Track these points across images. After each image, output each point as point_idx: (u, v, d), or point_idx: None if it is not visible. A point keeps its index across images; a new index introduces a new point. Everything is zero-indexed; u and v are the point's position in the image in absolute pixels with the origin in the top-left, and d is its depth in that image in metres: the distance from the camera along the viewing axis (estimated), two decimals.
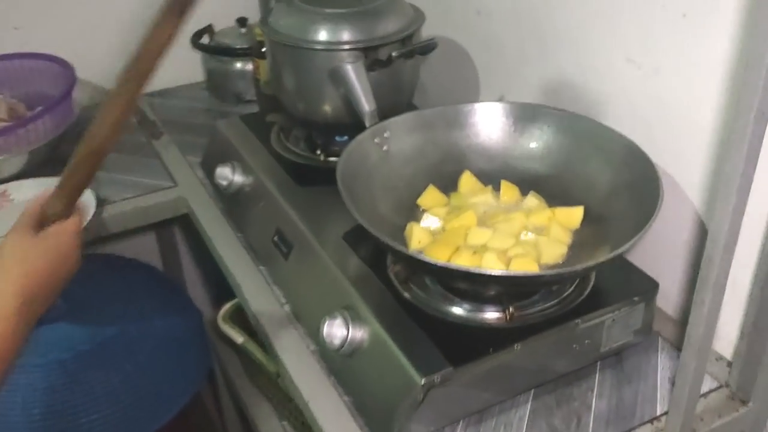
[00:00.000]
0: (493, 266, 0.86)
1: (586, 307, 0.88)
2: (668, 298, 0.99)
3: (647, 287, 0.92)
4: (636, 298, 0.90)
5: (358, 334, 0.88)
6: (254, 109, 1.52)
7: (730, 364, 0.92)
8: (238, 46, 1.55)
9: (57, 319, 1.35)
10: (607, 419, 0.87)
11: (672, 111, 0.93)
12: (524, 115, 1.03)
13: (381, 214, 0.95)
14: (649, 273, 0.95)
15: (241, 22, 1.58)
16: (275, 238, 1.07)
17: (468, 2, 1.25)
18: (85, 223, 1.20)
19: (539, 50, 1.13)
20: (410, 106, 1.25)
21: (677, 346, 0.97)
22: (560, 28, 1.08)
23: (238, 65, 1.57)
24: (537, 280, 0.83)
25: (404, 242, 0.93)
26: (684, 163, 0.93)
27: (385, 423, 0.82)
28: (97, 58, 1.37)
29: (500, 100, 1.23)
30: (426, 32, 1.15)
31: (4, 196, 1.27)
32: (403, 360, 0.81)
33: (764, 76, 0.61)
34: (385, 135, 1.00)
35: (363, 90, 0.99)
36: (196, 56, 1.65)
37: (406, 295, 0.91)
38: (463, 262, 0.87)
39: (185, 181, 1.35)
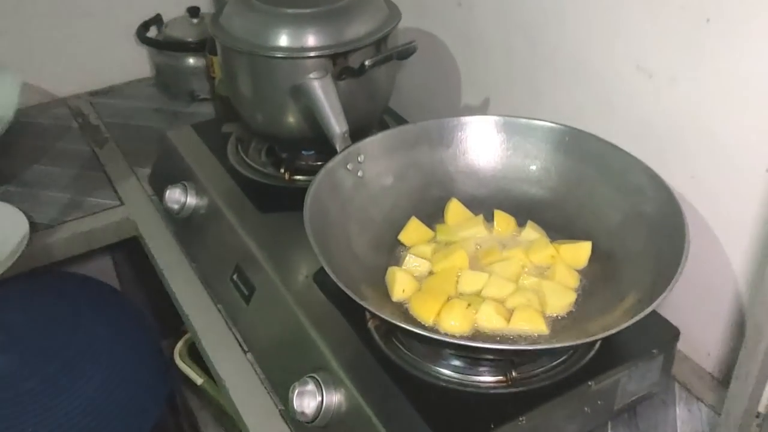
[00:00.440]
0: (492, 324, 0.74)
1: (599, 363, 0.76)
2: (686, 338, 0.87)
3: (667, 336, 0.80)
4: (655, 350, 0.78)
5: (334, 399, 0.75)
6: (210, 109, 1.36)
7: None
8: (189, 40, 1.39)
9: None
10: None
11: (690, 128, 0.80)
12: (518, 130, 0.89)
13: (357, 254, 0.81)
14: (666, 315, 0.82)
15: (193, 12, 1.41)
16: (234, 277, 0.93)
17: None
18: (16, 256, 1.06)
19: (529, 48, 0.99)
20: (384, 116, 1.11)
21: (697, 395, 0.85)
22: (554, 22, 0.94)
23: (191, 60, 1.41)
24: (549, 351, 0.71)
25: (385, 289, 0.79)
26: (709, 193, 0.81)
27: None
28: None
29: (485, 104, 1.09)
30: (400, 24, 1.00)
31: None
32: None
33: None
34: (359, 159, 0.86)
35: (332, 109, 0.84)
36: (144, 49, 1.48)
37: (388, 352, 0.78)
38: (457, 318, 0.74)
39: (133, 199, 1.20)
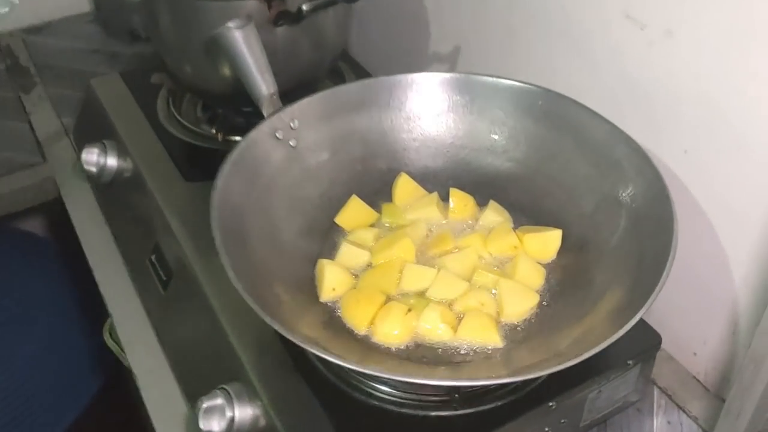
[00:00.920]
0: (435, 334, 0.62)
1: (562, 379, 0.64)
2: (669, 335, 0.75)
3: (647, 344, 0.68)
4: (630, 362, 0.66)
5: (248, 416, 0.64)
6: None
7: None
8: None
9: None
10: None
11: (686, 93, 0.66)
12: (482, 90, 0.75)
13: (284, 242, 0.68)
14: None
15: None
16: (153, 258, 0.81)
17: None
18: None
19: None
20: (343, 68, 0.97)
21: (679, 403, 0.74)
22: None
23: None
24: (499, 388, 0.58)
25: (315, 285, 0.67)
26: (704, 171, 0.67)
27: None
28: None
29: (454, 54, 0.94)
30: None
31: None
32: None
33: None
34: (292, 125, 0.72)
35: (257, 65, 0.70)
36: None
37: (316, 362, 0.66)
38: (394, 326, 0.62)
39: (58, 156, 1.06)
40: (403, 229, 0.70)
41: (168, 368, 0.77)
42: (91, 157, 0.91)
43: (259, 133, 0.70)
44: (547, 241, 0.69)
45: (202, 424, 0.63)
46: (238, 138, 0.88)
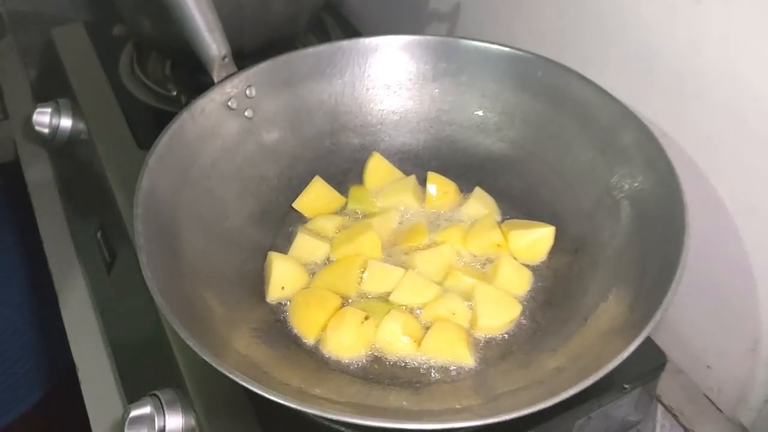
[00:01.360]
0: (396, 348, 0.52)
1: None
2: (679, 344, 0.65)
3: (648, 366, 0.58)
4: (628, 386, 0.56)
5: (179, 426, 0.55)
6: None
7: None
8: None
9: None
10: None
11: (712, 68, 0.56)
12: (471, 57, 0.64)
13: (230, 229, 0.59)
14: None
15: None
16: (99, 236, 0.72)
17: None
18: None
19: None
20: (328, 24, 0.86)
21: (686, 425, 0.64)
22: None
23: None
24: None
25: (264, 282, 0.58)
26: (730, 162, 0.57)
27: None
28: None
29: (454, 13, 0.82)
30: None
31: None
32: None
33: None
34: (248, 93, 0.62)
35: (205, 21, 0.59)
36: None
37: None
38: (348, 336, 0.52)
39: (21, 113, 0.97)
40: (369, 220, 0.60)
41: (109, 365, 0.68)
42: (43, 117, 0.82)
43: (208, 101, 0.60)
44: (537, 240, 0.58)
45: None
46: None
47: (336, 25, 0.90)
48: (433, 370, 0.53)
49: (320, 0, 0.80)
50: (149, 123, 0.79)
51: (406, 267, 0.57)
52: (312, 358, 0.53)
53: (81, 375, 0.69)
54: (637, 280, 0.51)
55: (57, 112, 0.82)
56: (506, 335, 0.55)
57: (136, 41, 0.86)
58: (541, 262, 0.59)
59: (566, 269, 0.58)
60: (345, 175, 0.65)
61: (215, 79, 0.61)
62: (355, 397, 0.50)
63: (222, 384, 0.55)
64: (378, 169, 0.64)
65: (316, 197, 0.62)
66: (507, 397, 0.47)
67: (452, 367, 0.53)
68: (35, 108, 0.81)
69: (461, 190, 0.64)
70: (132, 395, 0.65)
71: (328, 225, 0.61)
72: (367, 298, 0.56)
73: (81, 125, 0.82)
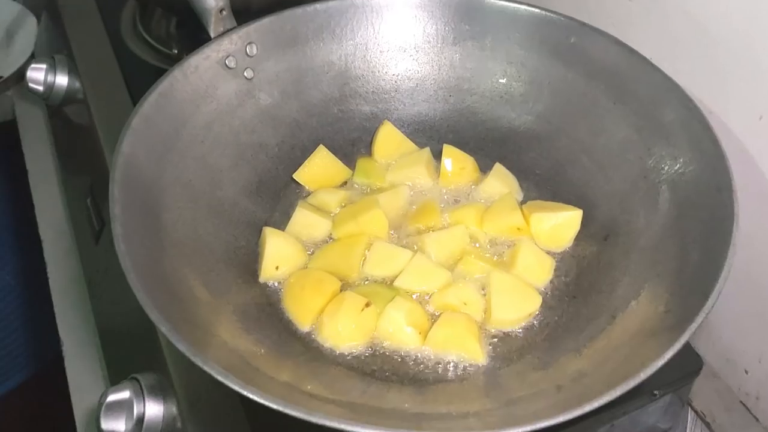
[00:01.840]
0: (399, 339, 0.47)
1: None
2: (715, 344, 0.59)
3: (682, 372, 0.51)
4: (658, 392, 0.50)
5: (159, 414, 0.51)
6: None
7: None
8: None
9: None
10: None
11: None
12: (496, 19, 0.58)
13: (222, 200, 0.54)
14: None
15: None
16: (89, 202, 0.67)
17: None
18: None
19: None
20: None
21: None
22: None
23: None
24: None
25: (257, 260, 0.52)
26: None
27: None
28: None
29: None
30: None
31: None
32: None
33: None
34: (249, 52, 0.56)
35: None
36: None
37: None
38: (346, 324, 0.47)
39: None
40: (376, 195, 0.55)
41: (95, 342, 0.64)
42: (38, 74, 0.76)
43: (202, 58, 0.55)
44: (562, 224, 0.53)
45: (103, 423, 0.50)
46: None
47: None
48: (439, 367, 0.47)
49: None
50: (149, 84, 0.74)
51: (414, 249, 0.52)
52: (305, 347, 0.48)
53: (65, 351, 0.64)
54: (675, 276, 0.46)
55: (52, 69, 0.77)
56: (523, 331, 0.49)
57: None
58: (566, 250, 0.53)
59: (593, 259, 0.52)
60: (352, 145, 0.60)
61: (212, 34, 0.56)
62: (350, 394, 0.44)
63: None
64: (389, 139, 0.58)
65: (319, 168, 0.57)
66: (521, 403, 0.42)
67: (461, 364, 0.47)
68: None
69: (479, 167, 0.58)
70: (115, 376, 0.60)
71: (331, 200, 0.55)
72: (370, 282, 0.51)
73: (77, 84, 0.77)
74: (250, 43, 0.57)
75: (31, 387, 0.95)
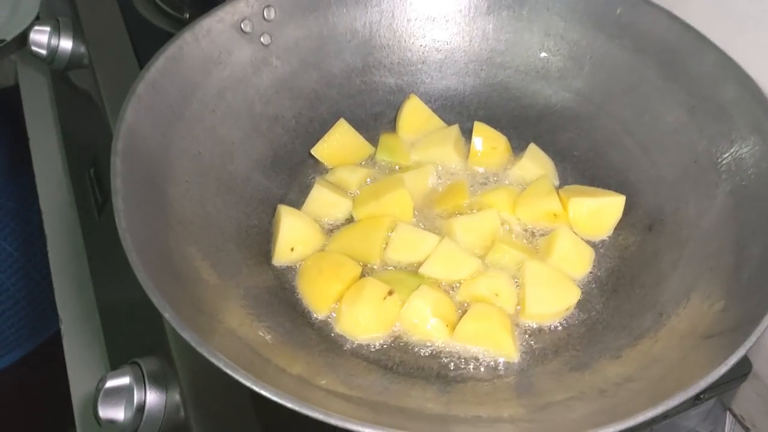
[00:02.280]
0: (424, 332, 0.43)
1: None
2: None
3: (729, 376, 0.47)
4: (703, 395, 0.46)
5: (161, 401, 0.47)
6: None
7: None
8: None
9: None
10: None
11: None
12: None
13: (234, 175, 0.49)
14: None
15: None
16: (91, 173, 0.63)
17: None
18: None
19: None
20: None
21: None
22: None
23: None
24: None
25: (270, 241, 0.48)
26: None
27: None
28: None
29: None
30: None
31: None
32: None
33: None
34: (266, 15, 0.52)
35: None
36: None
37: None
38: (366, 313, 0.43)
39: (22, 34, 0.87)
40: (401, 174, 0.50)
41: (96, 321, 0.60)
42: (41, 37, 0.72)
43: (216, 21, 0.50)
44: (602, 210, 0.48)
45: (100, 410, 0.47)
46: None
47: None
48: (467, 363, 0.43)
49: None
50: (155, 47, 0.69)
51: (441, 234, 0.48)
52: (321, 336, 0.44)
53: (64, 329, 0.61)
54: (732, 272, 0.41)
55: (56, 31, 0.72)
56: (559, 326, 0.45)
57: None
58: (606, 239, 0.49)
59: (637, 250, 0.47)
60: (375, 120, 0.55)
61: None
62: (369, 391, 0.40)
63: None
64: (415, 115, 0.54)
65: (339, 144, 0.52)
66: (558, 409, 0.38)
67: (491, 361, 0.43)
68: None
69: (512, 147, 0.54)
70: (116, 359, 0.57)
71: (352, 178, 0.51)
72: (393, 268, 0.47)
73: (82, 48, 0.72)
74: (268, 6, 0.52)
75: (31, 363, 0.92)
